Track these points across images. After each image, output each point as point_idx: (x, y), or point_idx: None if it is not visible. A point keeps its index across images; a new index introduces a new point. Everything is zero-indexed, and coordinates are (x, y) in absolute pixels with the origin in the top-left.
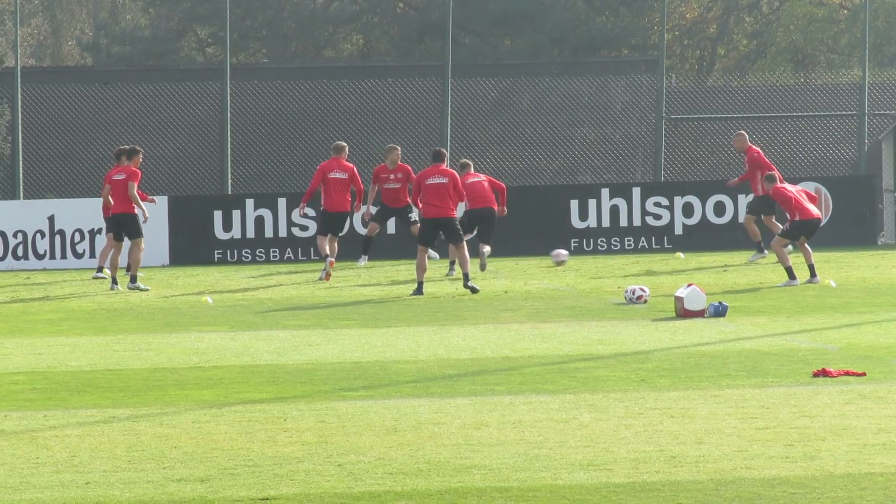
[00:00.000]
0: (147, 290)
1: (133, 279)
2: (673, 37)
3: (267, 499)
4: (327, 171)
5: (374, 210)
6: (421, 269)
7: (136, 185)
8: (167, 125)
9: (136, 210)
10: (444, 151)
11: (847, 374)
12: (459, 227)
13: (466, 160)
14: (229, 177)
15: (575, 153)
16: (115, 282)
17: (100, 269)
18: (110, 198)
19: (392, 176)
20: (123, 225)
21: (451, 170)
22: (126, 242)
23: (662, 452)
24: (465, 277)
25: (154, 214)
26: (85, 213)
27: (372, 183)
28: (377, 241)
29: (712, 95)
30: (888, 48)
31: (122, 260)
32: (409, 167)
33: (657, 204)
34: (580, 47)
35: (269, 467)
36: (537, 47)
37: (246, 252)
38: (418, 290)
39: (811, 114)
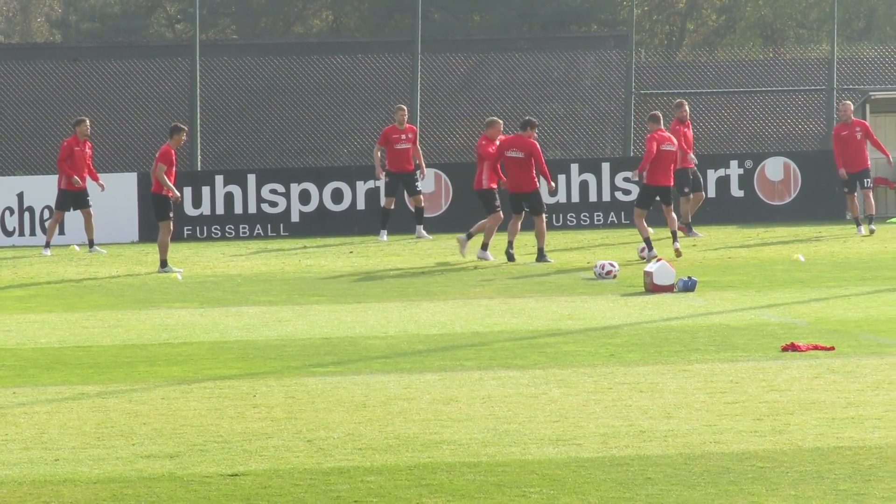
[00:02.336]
0: (180, 271)
1: (164, 263)
2: (642, 12)
3: (236, 474)
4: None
5: (384, 178)
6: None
7: (164, 167)
8: (136, 102)
9: (165, 191)
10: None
11: (816, 348)
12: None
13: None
14: (199, 153)
15: (544, 128)
16: (162, 264)
17: (91, 244)
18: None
19: (403, 136)
20: (153, 205)
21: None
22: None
23: (631, 427)
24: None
25: (123, 191)
26: (54, 190)
27: (378, 144)
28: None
29: (681, 71)
30: (857, 23)
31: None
32: (416, 128)
33: (626, 179)
34: (550, 23)
35: (239, 443)
36: (507, 23)
37: (216, 228)
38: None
39: (780, 88)
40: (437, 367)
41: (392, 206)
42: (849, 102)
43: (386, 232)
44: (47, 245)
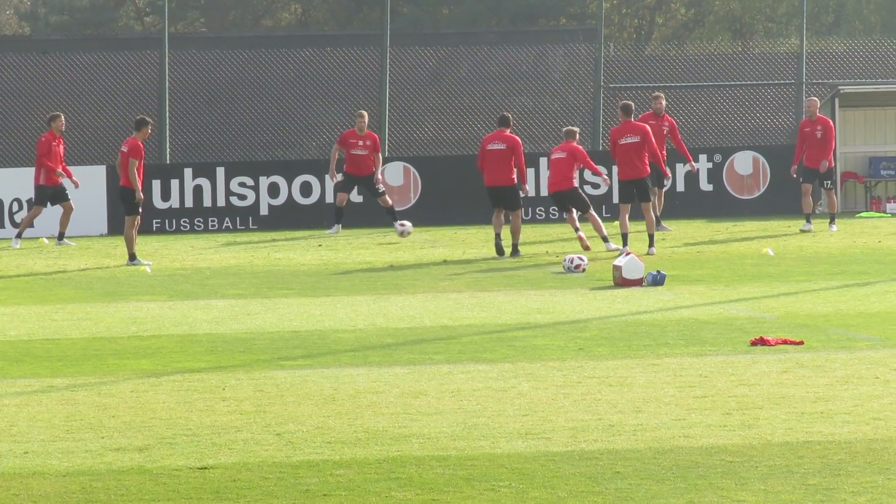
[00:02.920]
0: (149, 264)
1: (132, 257)
2: (611, 6)
3: (205, 468)
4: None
5: (339, 177)
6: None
7: (136, 163)
8: (105, 94)
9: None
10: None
11: (785, 342)
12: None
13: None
14: (167, 146)
15: (514, 122)
16: (130, 258)
17: (61, 237)
18: (118, 169)
19: (360, 142)
20: (122, 199)
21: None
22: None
23: (601, 421)
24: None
25: (92, 184)
26: (23, 182)
27: (337, 145)
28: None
29: (650, 64)
30: (826, 17)
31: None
32: (377, 136)
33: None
34: (518, 16)
35: (208, 436)
36: (476, 16)
37: (184, 221)
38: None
39: (749, 83)
40: (406, 361)
41: (343, 204)
42: (815, 98)
43: (339, 226)
44: (18, 237)
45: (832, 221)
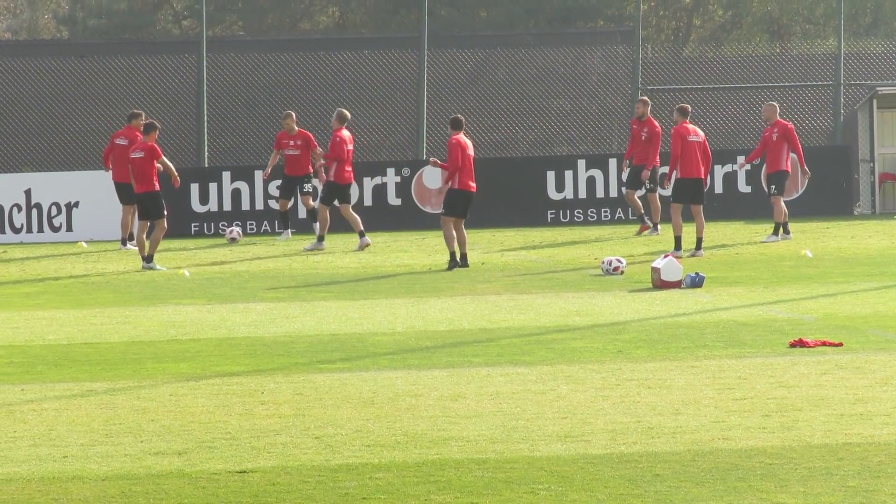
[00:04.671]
0: (163, 269)
1: (149, 258)
2: (648, 7)
3: (244, 471)
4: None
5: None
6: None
7: (161, 157)
8: (143, 98)
9: (159, 187)
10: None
11: (824, 344)
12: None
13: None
14: (206, 149)
15: (551, 124)
16: (147, 260)
17: (124, 242)
18: (132, 177)
19: (292, 142)
20: (145, 204)
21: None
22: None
23: (640, 423)
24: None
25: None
26: (61, 186)
27: (274, 148)
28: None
29: (688, 66)
30: (863, 18)
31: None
32: (310, 134)
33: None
34: (556, 18)
35: (247, 440)
36: (513, 18)
37: (223, 225)
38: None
39: (787, 84)
40: (445, 364)
41: (286, 208)
42: (773, 103)
43: (289, 232)
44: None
45: (776, 231)
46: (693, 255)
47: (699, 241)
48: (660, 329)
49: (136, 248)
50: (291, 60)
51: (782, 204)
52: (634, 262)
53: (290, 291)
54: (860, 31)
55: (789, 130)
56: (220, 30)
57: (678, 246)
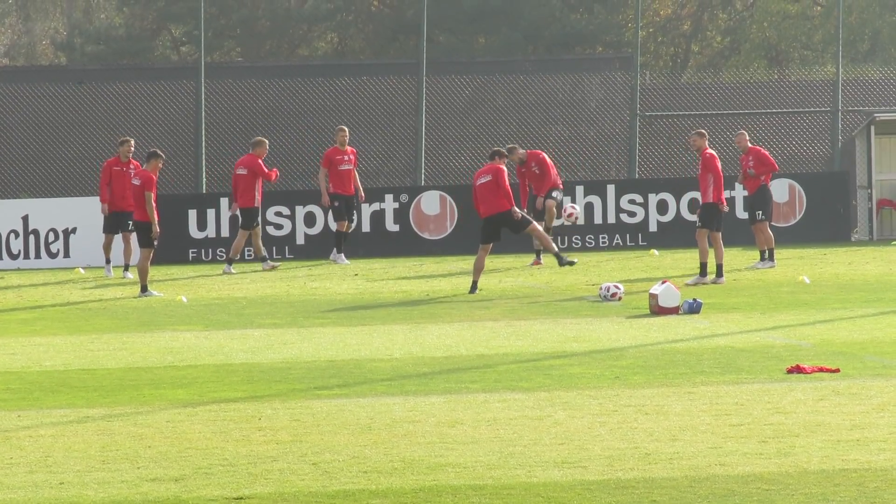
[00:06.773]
0: (160, 295)
1: (144, 288)
2: (647, 34)
3: (241, 498)
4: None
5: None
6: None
7: (151, 195)
8: (142, 124)
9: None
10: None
11: (821, 370)
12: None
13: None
14: (204, 175)
15: (549, 151)
16: (142, 290)
17: (126, 268)
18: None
19: (346, 158)
20: (138, 231)
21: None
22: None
23: (637, 449)
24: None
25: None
26: (59, 212)
27: (322, 166)
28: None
29: (686, 92)
30: (861, 44)
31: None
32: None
33: (632, 201)
34: (554, 44)
35: (244, 466)
36: (512, 45)
37: (220, 251)
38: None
39: (785, 110)
40: (442, 390)
41: (346, 229)
42: (743, 132)
43: (343, 255)
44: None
45: (762, 256)
46: (715, 282)
47: (720, 267)
48: (657, 355)
49: (135, 276)
50: (290, 86)
51: (769, 231)
52: (632, 288)
53: (288, 318)
54: (858, 57)
55: (763, 155)
56: (218, 56)
57: (704, 272)
